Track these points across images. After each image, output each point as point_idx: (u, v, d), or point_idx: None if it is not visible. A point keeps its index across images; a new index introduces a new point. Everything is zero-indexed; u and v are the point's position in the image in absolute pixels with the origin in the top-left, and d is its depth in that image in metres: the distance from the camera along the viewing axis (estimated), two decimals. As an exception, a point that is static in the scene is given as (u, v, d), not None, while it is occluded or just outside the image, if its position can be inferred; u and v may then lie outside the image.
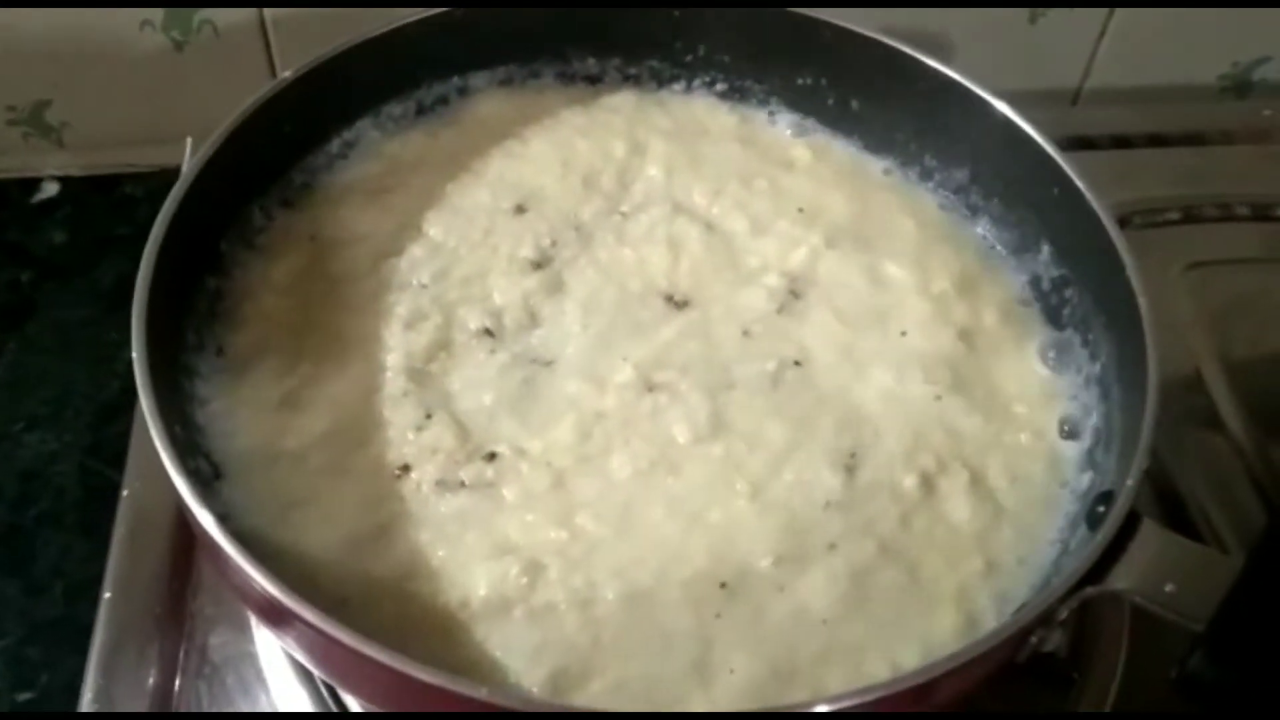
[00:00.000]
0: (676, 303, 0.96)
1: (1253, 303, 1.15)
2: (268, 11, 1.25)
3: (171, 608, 0.92)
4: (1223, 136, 1.36)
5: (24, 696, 0.92)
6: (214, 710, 0.88)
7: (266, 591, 0.69)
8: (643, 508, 0.84)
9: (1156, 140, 1.34)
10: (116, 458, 1.04)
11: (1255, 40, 1.43)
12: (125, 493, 0.98)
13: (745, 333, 0.94)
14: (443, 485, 0.85)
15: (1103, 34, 1.38)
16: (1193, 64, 1.43)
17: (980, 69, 1.00)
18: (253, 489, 0.84)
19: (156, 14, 1.24)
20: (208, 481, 0.83)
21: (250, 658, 0.90)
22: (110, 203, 1.27)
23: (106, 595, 0.92)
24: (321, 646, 0.70)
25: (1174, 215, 1.23)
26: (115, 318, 1.15)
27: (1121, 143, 1.21)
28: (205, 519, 0.72)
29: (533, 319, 0.94)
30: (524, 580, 0.80)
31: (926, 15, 1.29)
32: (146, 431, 0.75)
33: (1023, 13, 1.34)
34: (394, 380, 0.90)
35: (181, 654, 0.90)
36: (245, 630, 0.91)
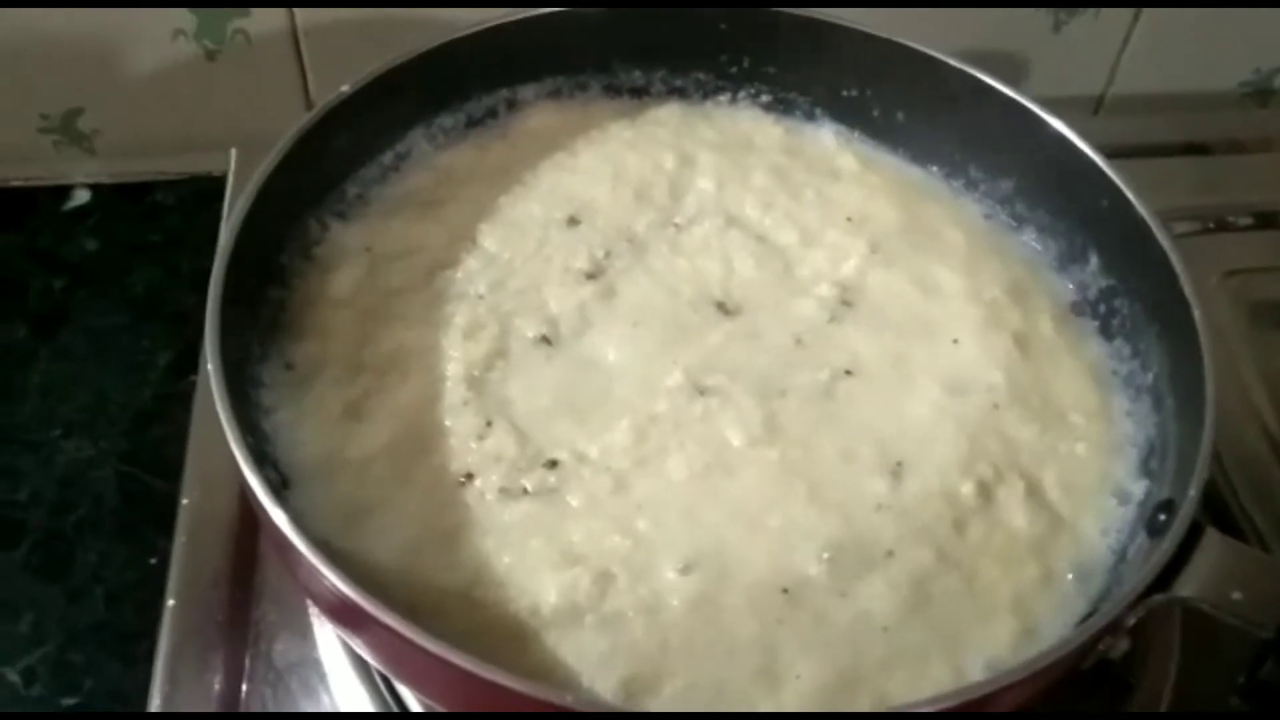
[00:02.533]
0: (728, 311, 0.97)
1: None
2: (300, 21, 1.25)
3: (234, 615, 0.92)
4: (1253, 144, 1.38)
5: (69, 702, 0.92)
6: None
7: (346, 596, 0.69)
8: (702, 510, 0.85)
9: (1183, 148, 1.35)
10: (153, 464, 1.05)
11: (1277, 47, 1.44)
12: (185, 502, 0.98)
13: (798, 341, 0.95)
14: (506, 493, 0.85)
15: (1126, 41, 1.39)
16: (1215, 71, 1.45)
17: (1003, 76, 1.01)
18: (318, 498, 0.84)
19: (189, 23, 1.24)
20: (276, 490, 0.82)
21: (314, 663, 0.91)
22: (141, 211, 1.27)
23: (170, 603, 0.93)
24: (403, 653, 0.70)
25: (1208, 224, 1.24)
26: (147, 325, 1.18)
27: (1148, 151, 1.21)
28: (282, 521, 0.72)
29: (587, 325, 0.95)
30: (594, 589, 0.81)
31: (958, 24, 1.30)
32: (203, 441, 0.75)
33: (1046, 20, 1.35)
34: (454, 389, 0.90)
35: (247, 660, 0.91)
36: (308, 636, 0.92)
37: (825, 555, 0.83)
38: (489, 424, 0.89)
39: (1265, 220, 1.26)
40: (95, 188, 1.28)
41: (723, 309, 0.97)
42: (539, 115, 1.10)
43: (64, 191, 1.28)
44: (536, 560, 0.82)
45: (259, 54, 1.28)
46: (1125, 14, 1.37)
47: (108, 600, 0.96)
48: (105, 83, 1.27)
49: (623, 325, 0.95)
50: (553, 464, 0.87)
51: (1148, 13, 1.36)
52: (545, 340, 0.94)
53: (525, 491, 0.86)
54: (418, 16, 1.22)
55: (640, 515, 0.84)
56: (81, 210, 1.27)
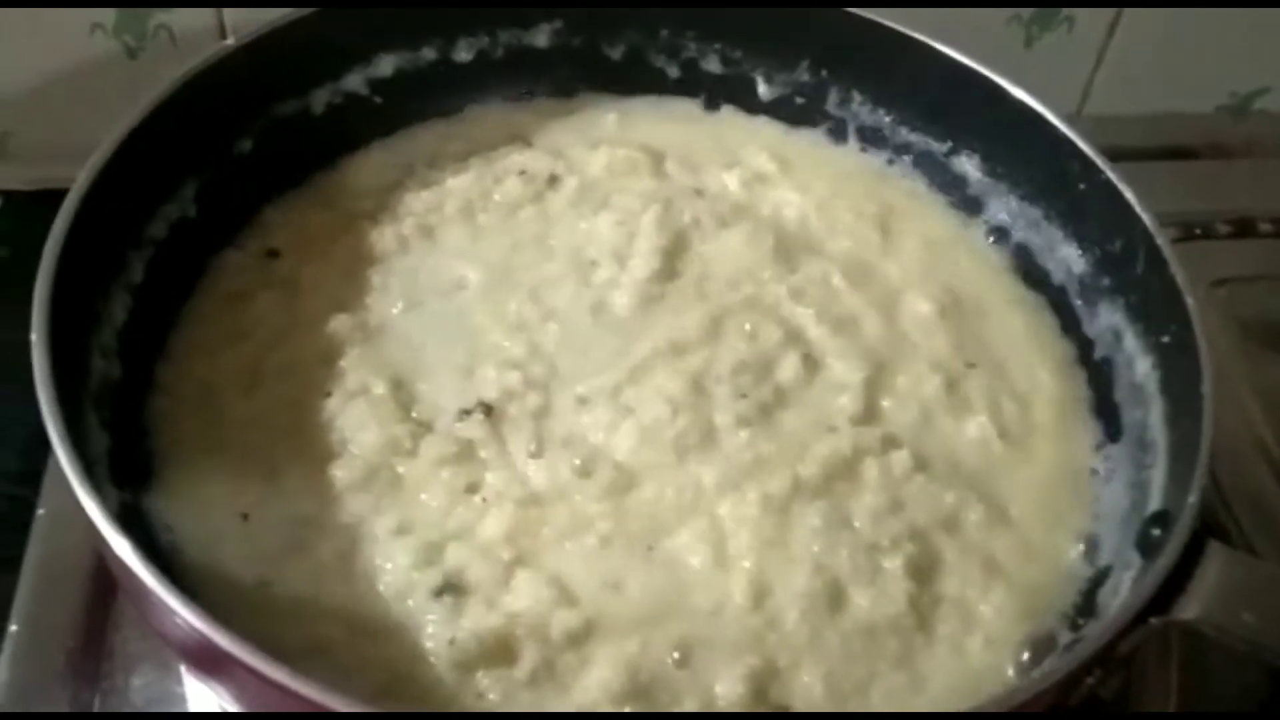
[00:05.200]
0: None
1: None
2: (228, 17, 1.17)
3: (87, 643, 0.83)
4: (1232, 149, 1.32)
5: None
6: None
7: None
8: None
9: (1162, 154, 1.30)
10: None
11: (1255, 70, 1.38)
12: (40, 512, 0.89)
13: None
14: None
15: (1099, 62, 1.33)
16: (1191, 93, 1.38)
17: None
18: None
19: (108, 17, 1.16)
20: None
21: (177, 700, 0.81)
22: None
23: (13, 628, 0.83)
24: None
25: (1193, 230, 1.18)
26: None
27: (1123, 156, 1.15)
28: (120, 544, 0.62)
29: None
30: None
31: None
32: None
33: (1018, 37, 1.29)
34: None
35: (98, 696, 0.81)
36: (173, 670, 0.82)
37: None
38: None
39: (1247, 227, 1.20)
40: (7, 194, 1.20)
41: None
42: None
43: (-27, 198, 1.19)
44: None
45: (183, 51, 1.19)
46: (1099, 31, 1.31)
47: None
48: (17, 80, 1.19)
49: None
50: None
51: (1122, 32, 1.30)
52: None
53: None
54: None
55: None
56: (-9, 217, 1.17)
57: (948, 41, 0.99)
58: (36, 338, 0.70)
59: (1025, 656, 0.73)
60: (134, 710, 0.80)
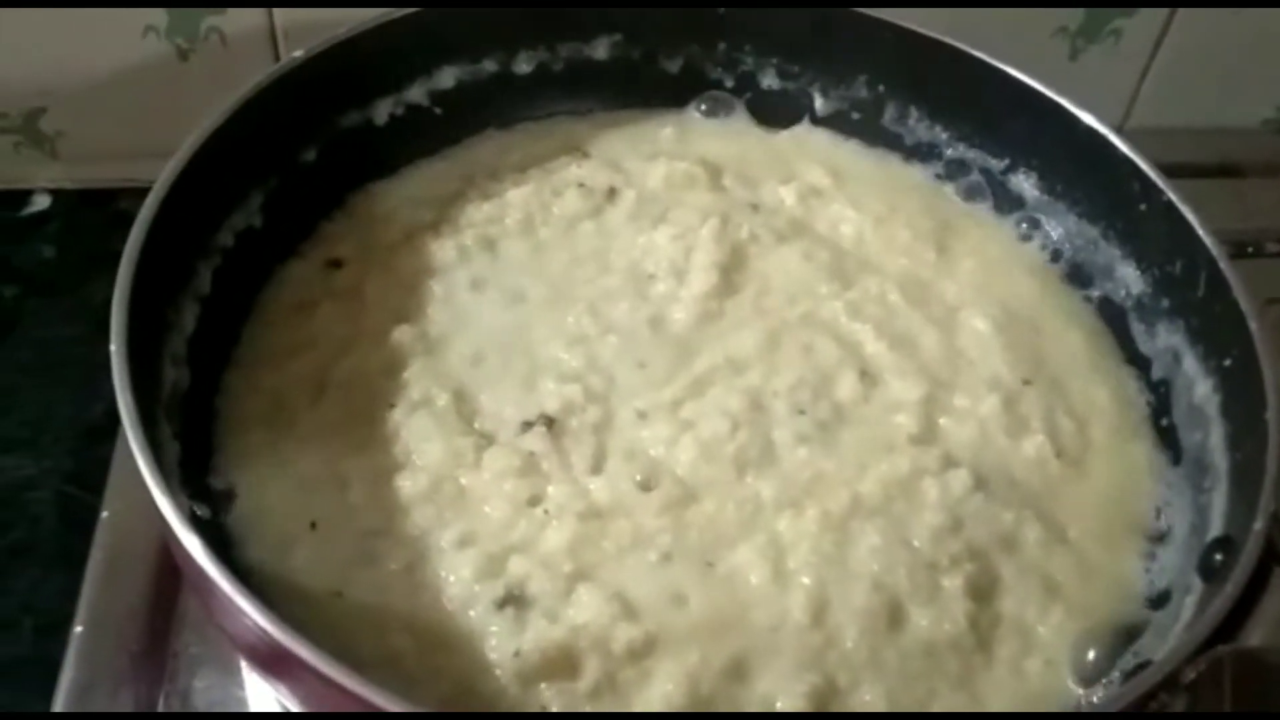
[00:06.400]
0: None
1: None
2: (279, 21, 1.18)
3: (150, 645, 0.83)
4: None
5: (-22, 746, 0.83)
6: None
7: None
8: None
9: (1209, 170, 1.28)
10: (100, 485, 0.94)
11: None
12: (105, 514, 0.89)
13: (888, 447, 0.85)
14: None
15: (1145, 73, 1.32)
16: (1237, 107, 1.37)
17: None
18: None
19: (161, 19, 1.17)
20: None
21: (238, 703, 0.82)
22: (104, 218, 1.19)
23: (78, 629, 0.83)
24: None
25: (1245, 249, 1.17)
26: (103, 338, 1.08)
27: (1171, 172, 1.14)
28: (192, 543, 0.63)
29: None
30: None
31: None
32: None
33: (1062, 49, 1.28)
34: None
35: (161, 697, 0.82)
36: (234, 673, 0.82)
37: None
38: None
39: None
40: (56, 193, 1.21)
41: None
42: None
43: (23, 196, 1.20)
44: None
45: (234, 54, 1.20)
46: (1145, 44, 1.30)
47: (38, 633, 0.88)
48: (70, 82, 1.19)
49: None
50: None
51: (1168, 45, 1.29)
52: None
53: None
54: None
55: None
56: (40, 216, 1.20)
57: (990, 52, 0.99)
58: (116, 348, 0.71)
59: (1085, 679, 0.74)
60: (197, 712, 0.81)
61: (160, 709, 0.80)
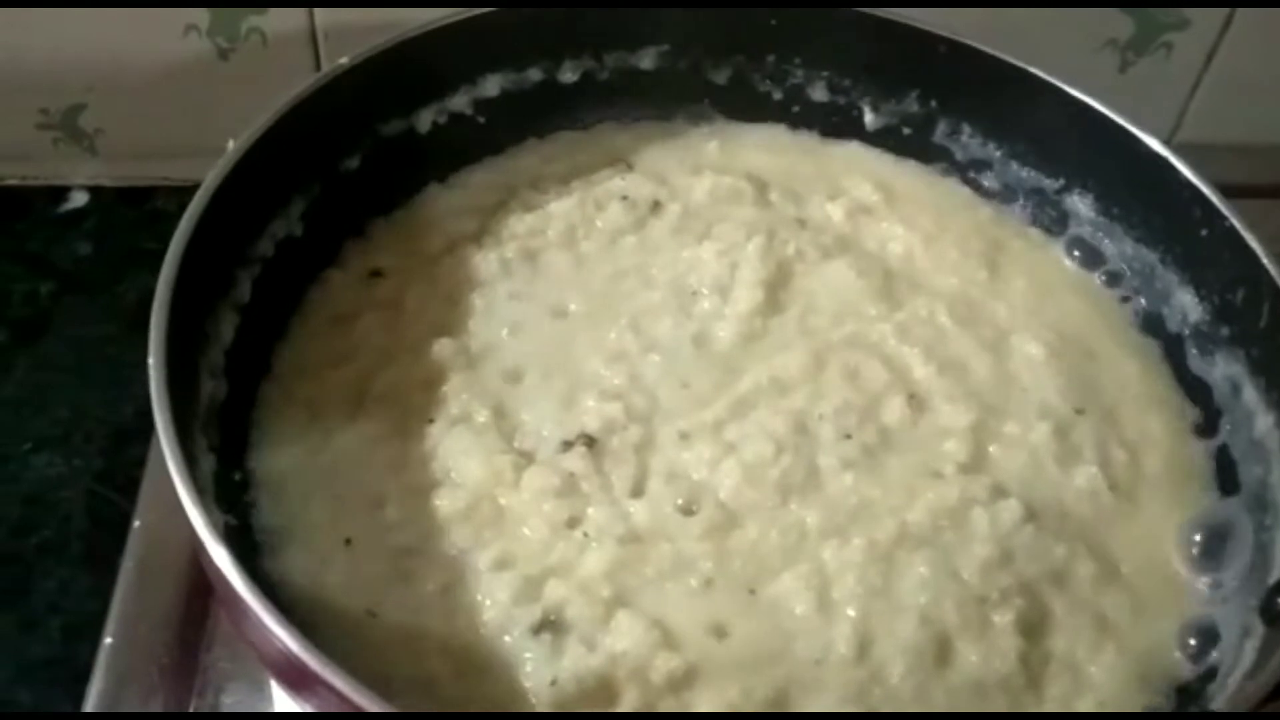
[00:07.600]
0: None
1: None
2: (319, 21, 1.17)
3: (181, 659, 0.83)
4: None
5: (6, 743, 0.83)
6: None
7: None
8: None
9: (1264, 192, 1.21)
10: (129, 486, 0.95)
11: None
12: (137, 524, 0.89)
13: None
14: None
15: (1195, 87, 1.29)
16: (1285, 124, 1.35)
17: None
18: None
19: (202, 18, 1.17)
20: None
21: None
22: (140, 216, 1.20)
23: (107, 640, 0.83)
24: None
25: None
26: (136, 336, 1.07)
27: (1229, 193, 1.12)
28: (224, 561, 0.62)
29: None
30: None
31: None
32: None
33: (1112, 60, 1.26)
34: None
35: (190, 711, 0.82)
36: (264, 689, 0.82)
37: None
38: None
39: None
40: (94, 190, 1.21)
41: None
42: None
43: (60, 193, 1.21)
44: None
45: (275, 54, 1.20)
46: (1196, 59, 1.27)
47: (65, 633, 0.88)
48: (110, 79, 1.19)
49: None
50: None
51: (1220, 59, 1.27)
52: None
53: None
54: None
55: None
56: (77, 213, 1.20)
57: (1038, 65, 0.97)
58: (154, 361, 0.70)
59: (1140, 723, 0.72)
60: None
61: (189, 722, 0.80)
